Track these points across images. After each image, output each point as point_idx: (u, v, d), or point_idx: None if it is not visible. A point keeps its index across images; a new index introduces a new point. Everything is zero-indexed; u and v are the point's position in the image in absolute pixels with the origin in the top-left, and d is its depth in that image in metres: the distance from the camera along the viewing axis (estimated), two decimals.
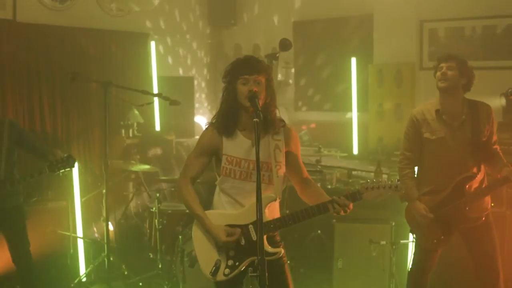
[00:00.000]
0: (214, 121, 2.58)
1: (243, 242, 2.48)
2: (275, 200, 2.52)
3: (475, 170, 3.13)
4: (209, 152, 2.57)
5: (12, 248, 3.54)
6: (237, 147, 2.52)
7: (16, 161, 3.59)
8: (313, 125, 5.95)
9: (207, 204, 2.71)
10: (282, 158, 2.56)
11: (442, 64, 3.15)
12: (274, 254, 2.49)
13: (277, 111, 2.56)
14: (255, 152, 2.41)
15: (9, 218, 3.51)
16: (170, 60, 6.12)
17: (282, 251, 2.52)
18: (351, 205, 2.44)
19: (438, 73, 3.15)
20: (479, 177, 3.15)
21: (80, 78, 4.00)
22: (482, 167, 3.19)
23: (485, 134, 3.14)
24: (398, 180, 2.47)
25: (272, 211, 2.57)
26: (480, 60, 4.84)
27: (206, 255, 2.52)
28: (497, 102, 4.42)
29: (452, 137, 3.15)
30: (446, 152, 3.16)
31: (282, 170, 2.56)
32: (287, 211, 4.25)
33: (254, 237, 2.47)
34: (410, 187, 3.23)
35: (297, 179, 2.67)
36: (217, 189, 2.61)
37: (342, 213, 2.45)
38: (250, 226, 2.48)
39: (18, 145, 3.58)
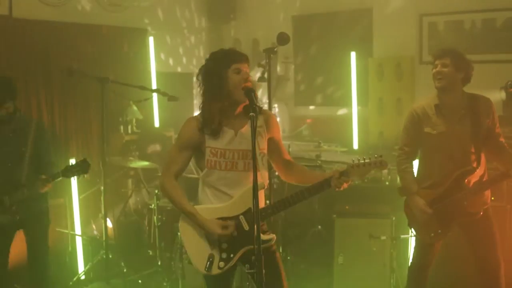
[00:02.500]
0: (199, 115, 2.53)
1: (235, 233, 2.47)
2: (264, 187, 2.51)
3: (475, 164, 3.10)
4: (192, 145, 2.53)
5: (30, 253, 3.42)
6: (220, 138, 2.49)
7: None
8: (309, 120, 5.93)
9: None
10: (264, 145, 2.56)
11: (437, 62, 3.11)
12: (268, 241, 2.49)
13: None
14: (238, 142, 2.47)
15: (33, 224, 3.38)
16: (168, 56, 6.07)
17: (274, 237, 2.52)
18: (346, 184, 2.47)
19: (434, 71, 3.12)
20: (479, 171, 3.12)
21: (77, 74, 3.96)
22: (483, 161, 3.17)
23: (484, 128, 3.11)
24: (381, 156, 2.50)
25: (260, 199, 2.55)
26: (480, 53, 4.84)
27: (197, 251, 2.50)
28: (497, 96, 4.40)
29: (452, 132, 3.12)
30: (447, 146, 3.13)
31: (266, 157, 2.57)
32: None
33: (246, 227, 2.46)
34: (409, 181, 3.22)
35: (279, 162, 2.67)
36: (200, 184, 2.57)
37: (340, 187, 2.46)
38: (241, 216, 2.48)
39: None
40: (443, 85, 3.09)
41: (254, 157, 2.21)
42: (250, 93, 2.36)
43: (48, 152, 3.46)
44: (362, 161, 2.47)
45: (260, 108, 2.52)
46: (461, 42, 4.96)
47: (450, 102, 3.13)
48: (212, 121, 2.46)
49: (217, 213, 2.49)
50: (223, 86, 2.44)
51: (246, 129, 2.48)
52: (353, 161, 2.47)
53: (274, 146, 2.63)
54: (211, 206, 2.52)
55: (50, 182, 3.31)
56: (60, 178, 3.33)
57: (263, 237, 2.45)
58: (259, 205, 2.46)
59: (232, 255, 2.47)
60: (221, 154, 2.48)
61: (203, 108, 2.51)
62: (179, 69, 6.23)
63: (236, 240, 2.47)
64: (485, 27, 4.95)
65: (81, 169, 3.33)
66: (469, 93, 3.17)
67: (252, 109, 2.26)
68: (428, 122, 3.17)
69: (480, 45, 4.94)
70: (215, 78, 2.45)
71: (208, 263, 2.46)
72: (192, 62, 6.37)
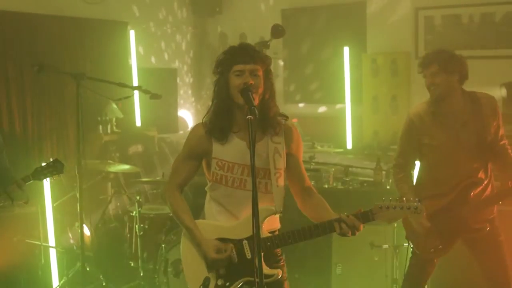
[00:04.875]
0: (205, 120, 2.28)
1: (235, 260, 2.21)
2: (275, 213, 2.23)
3: (481, 175, 2.87)
4: (198, 155, 2.29)
5: None
6: (230, 150, 2.22)
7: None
8: (294, 120, 5.73)
9: (195, 208, 2.45)
10: (282, 165, 2.26)
11: (425, 72, 2.87)
12: (271, 276, 2.19)
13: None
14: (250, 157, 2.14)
15: None
16: (150, 50, 5.88)
17: (280, 273, 2.22)
18: (361, 227, 2.14)
19: (426, 83, 2.87)
20: (485, 182, 2.89)
21: (48, 70, 3.67)
22: (489, 171, 2.93)
23: (491, 132, 2.87)
24: (418, 201, 2.17)
25: (272, 224, 2.28)
26: (478, 49, 4.82)
27: (194, 270, 2.25)
28: (496, 93, 4.32)
29: (456, 141, 2.86)
30: (449, 157, 2.88)
31: (282, 178, 2.27)
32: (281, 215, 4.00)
33: (248, 255, 2.19)
34: (405, 191, 2.94)
35: (297, 187, 2.35)
36: (208, 196, 2.33)
37: (349, 234, 2.15)
38: (245, 241, 2.20)
39: None
40: (439, 95, 2.85)
41: (253, 171, 1.91)
42: (246, 92, 2.08)
43: (1, 158, 3.16)
44: (393, 204, 2.14)
45: (285, 119, 2.27)
46: (458, 37, 4.91)
47: (449, 107, 2.87)
48: (218, 120, 2.21)
49: (219, 232, 2.23)
50: (226, 90, 2.18)
51: (261, 144, 2.20)
52: (383, 200, 2.15)
53: (292, 164, 2.31)
54: (215, 224, 2.26)
55: (23, 186, 3.02)
56: (31, 181, 3.05)
57: (266, 271, 2.13)
58: (271, 229, 2.24)
59: (228, 284, 2.21)
60: (228, 168, 2.20)
61: (211, 107, 2.26)
62: (161, 65, 6.03)
63: (235, 267, 2.20)
64: (484, 21, 4.89)
65: (54, 169, 3.07)
66: (471, 92, 2.91)
67: (250, 111, 1.97)
68: (426, 131, 2.91)
69: (478, 40, 4.87)
70: (220, 79, 2.22)
71: (202, 287, 2.21)
72: (176, 57, 6.17)
